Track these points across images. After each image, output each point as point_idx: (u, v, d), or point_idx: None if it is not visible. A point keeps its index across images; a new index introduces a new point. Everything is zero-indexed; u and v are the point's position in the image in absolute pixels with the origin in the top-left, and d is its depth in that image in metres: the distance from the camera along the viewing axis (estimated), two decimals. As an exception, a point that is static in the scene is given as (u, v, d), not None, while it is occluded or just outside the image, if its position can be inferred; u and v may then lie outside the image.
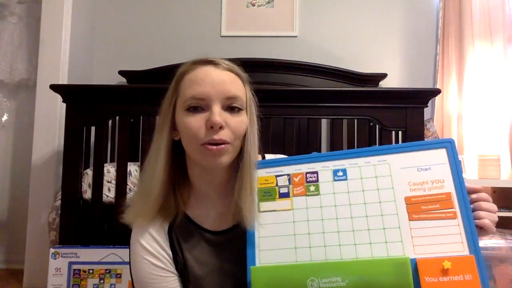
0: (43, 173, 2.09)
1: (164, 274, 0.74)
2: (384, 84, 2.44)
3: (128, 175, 1.62)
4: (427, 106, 1.60)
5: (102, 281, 1.51)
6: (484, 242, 1.60)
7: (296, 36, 2.52)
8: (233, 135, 0.71)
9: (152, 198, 0.72)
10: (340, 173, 0.69)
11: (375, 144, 1.97)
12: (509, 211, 1.92)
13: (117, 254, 1.51)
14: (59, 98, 1.74)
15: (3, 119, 2.47)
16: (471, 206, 0.65)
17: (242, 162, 0.72)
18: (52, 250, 1.51)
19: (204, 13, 2.56)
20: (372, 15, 2.51)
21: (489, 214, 0.63)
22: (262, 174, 0.72)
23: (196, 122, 0.69)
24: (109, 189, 1.66)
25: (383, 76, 2.39)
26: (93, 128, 1.69)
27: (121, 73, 2.43)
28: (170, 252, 0.75)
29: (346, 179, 0.68)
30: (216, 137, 0.68)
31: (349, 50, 2.50)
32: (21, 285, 2.04)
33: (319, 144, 2.28)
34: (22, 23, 2.44)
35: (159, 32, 2.57)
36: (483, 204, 0.63)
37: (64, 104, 1.64)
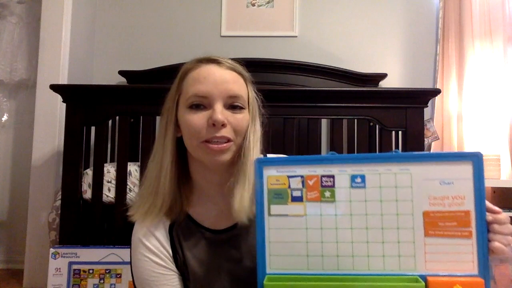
0: (43, 173, 2.09)
1: (164, 272, 0.74)
2: (384, 84, 2.44)
3: (128, 175, 1.62)
4: (427, 106, 1.60)
5: (102, 281, 1.51)
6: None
7: (296, 36, 2.52)
8: (234, 133, 0.71)
9: (161, 196, 0.73)
10: (358, 180, 0.64)
11: (375, 144, 1.97)
12: (509, 211, 1.92)
13: (117, 254, 1.51)
14: (59, 98, 1.74)
15: (3, 119, 2.47)
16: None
17: (241, 158, 0.72)
18: (52, 250, 1.51)
19: (204, 13, 2.56)
20: (372, 15, 2.51)
21: (503, 237, 0.62)
22: (273, 172, 0.66)
23: (198, 119, 0.70)
24: (109, 189, 1.66)
25: (383, 76, 2.39)
26: (93, 128, 1.69)
27: (121, 73, 2.43)
28: (170, 250, 0.75)
29: (364, 187, 0.64)
30: (217, 134, 0.69)
31: (349, 50, 2.50)
32: (21, 285, 2.04)
33: (319, 144, 2.28)
34: (22, 23, 2.44)
35: (159, 32, 2.57)
36: (495, 226, 0.62)
37: (64, 104, 1.64)
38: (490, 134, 2.21)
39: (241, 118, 0.72)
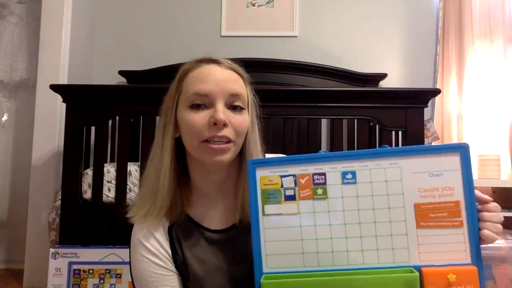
0: (43, 173, 2.09)
1: (164, 272, 0.74)
2: (384, 84, 2.44)
3: (128, 175, 1.62)
4: (427, 106, 1.60)
5: (102, 281, 1.51)
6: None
7: (296, 36, 2.52)
8: (235, 134, 0.71)
9: (161, 197, 0.72)
10: (349, 176, 0.65)
11: (376, 144, 1.97)
12: (509, 211, 1.92)
13: (117, 254, 1.51)
14: (59, 98, 1.74)
15: (3, 119, 2.47)
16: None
17: (244, 161, 0.73)
18: (52, 250, 1.51)
19: (204, 13, 2.56)
20: (372, 15, 2.51)
21: (492, 225, 0.63)
22: (266, 173, 0.67)
23: (199, 118, 0.70)
24: (109, 189, 1.66)
25: (383, 76, 2.40)
26: (93, 128, 1.69)
27: (121, 73, 2.43)
28: (169, 251, 0.75)
29: (355, 183, 0.65)
30: (219, 134, 0.69)
31: (349, 50, 2.50)
32: (21, 285, 2.04)
33: (319, 144, 2.28)
34: (22, 23, 2.44)
35: (159, 32, 2.57)
36: (485, 214, 0.63)
37: (64, 104, 1.64)
38: (490, 134, 2.21)
39: (242, 119, 0.72)
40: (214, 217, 0.78)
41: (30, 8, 2.44)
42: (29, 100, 2.40)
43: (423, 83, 2.43)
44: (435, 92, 1.66)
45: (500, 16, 2.27)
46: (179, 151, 0.76)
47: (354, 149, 2.15)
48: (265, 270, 0.65)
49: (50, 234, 1.70)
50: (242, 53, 2.43)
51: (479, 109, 2.24)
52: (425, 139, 2.08)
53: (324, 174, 0.66)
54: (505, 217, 2.17)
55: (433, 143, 2.24)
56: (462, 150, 0.64)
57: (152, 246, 0.74)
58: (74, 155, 1.61)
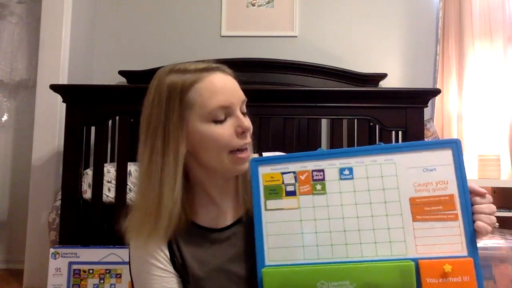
0: (43, 173, 2.09)
1: (163, 274, 0.74)
2: (384, 84, 2.44)
3: (128, 175, 1.62)
4: (427, 106, 1.60)
5: (102, 281, 1.51)
6: (484, 242, 1.60)
7: (296, 36, 2.52)
8: (250, 137, 0.73)
9: (167, 219, 0.69)
10: (347, 172, 0.69)
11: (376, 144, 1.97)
12: (509, 211, 1.92)
13: (117, 254, 1.51)
14: (59, 98, 1.74)
15: (3, 119, 2.47)
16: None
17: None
18: (52, 250, 1.51)
19: (204, 13, 2.56)
20: (372, 15, 2.51)
21: (487, 217, 0.64)
22: (268, 170, 0.71)
23: (225, 130, 0.69)
24: (109, 189, 1.66)
25: (383, 76, 2.39)
26: (93, 128, 1.69)
27: (121, 73, 2.43)
28: (167, 253, 0.75)
29: (352, 178, 0.68)
30: (246, 141, 0.71)
31: (349, 50, 2.50)
32: (21, 285, 2.04)
33: (319, 144, 2.28)
34: (22, 23, 2.44)
35: (159, 32, 2.57)
36: (478, 207, 0.64)
37: (64, 104, 1.64)
38: (490, 134, 2.21)
39: (250, 122, 0.74)
40: (213, 216, 0.78)
41: (30, 8, 2.44)
42: (29, 100, 2.40)
43: (423, 83, 2.43)
44: (435, 92, 1.66)
45: (500, 16, 2.27)
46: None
47: (360, 147, 2.15)
48: (267, 263, 0.68)
49: (50, 234, 1.70)
50: (242, 53, 2.43)
51: (479, 109, 2.24)
52: (425, 139, 2.08)
53: (322, 170, 0.69)
54: (505, 217, 2.16)
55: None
56: (453, 146, 0.66)
57: (151, 248, 0.74)
58: (74, 155, 1.61)
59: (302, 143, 2.22)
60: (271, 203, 0.70)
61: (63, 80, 2.17)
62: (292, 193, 0.70)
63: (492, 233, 1.70)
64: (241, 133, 0.70)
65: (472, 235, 0.63)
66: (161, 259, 0.75)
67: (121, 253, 1.51)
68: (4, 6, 2.43)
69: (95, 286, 1.51)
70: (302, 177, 0.70)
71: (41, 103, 2.13)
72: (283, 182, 0.70)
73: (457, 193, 0.65)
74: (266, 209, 0.70)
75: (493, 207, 0.65)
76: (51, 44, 2.18)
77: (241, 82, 0.76)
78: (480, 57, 2.27)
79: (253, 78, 2.26)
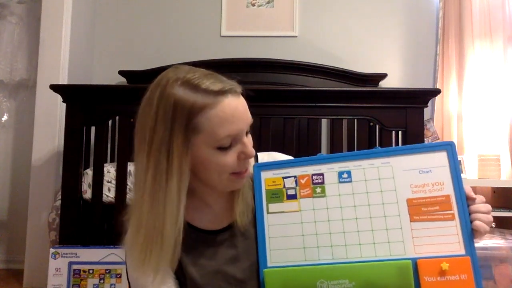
0: (43, 173, 2.09)
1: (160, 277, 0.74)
2: (384, 84, 2.44)
3: (128, 175, 1.62)
4: (427, 106, 1.60)
5: (102, 281, 1.51)
6: (484, 242, 1.60)
7: (296, 36, 2.52)
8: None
9: (169, 249, 0.68)
10: (345, 175, 0.71)
11: (376, 144, 1.97)
12: (509, 211, 1.92)
13: (117, 254, 1.51)
14: (59, 98, 1.74)
15: (3, 119, 2.47)
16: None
17: None
18: (52, 250, 1.51)
19: (204, 13, 2.56)
20: (372, 15, 2.51)
21: (484, 216, 0.65)
22: (269, 175, 0.74)
23: (230, 157, 0.69)
24: (109, 189, 1.66)
25: (383, 76, 2.39)
26: (93, 128, 1.69)
27: (121, 73, 2.43)
28: None
29: (350, 181, 0.71)
30: (247, 165, 0.72)
31: (349, 50, 2.50)
32: (21, 285, 2.04)
33: (319, 144, 2.28)
34: (22, 23, 2.44)
35: (159, 32, 2.57)
36: (474, 206, 0.66)
37: (64, 104, 1.64)
38: (490, 134, 2.21)
39: (252, 142, 0.73)
40: (209, 218, 0.78)
41: (30, 8, 2.44)
42: (29, 100, 2.40)
43: (423, 83, 2.43)
44: (435, 92, 1.66)
45: (500, 16, 2.27)
46: None
47: (354, 149, 2.15)
48: (269, 264, 0.70)
49: (50, 234, 1.70)
50: (242, 53, 2.43)
51: (479, 109, 2.24)
52: (425, 139, 2.08)
53: (322, 174, 0.72)
54: (505, 217, 2.16)
55: (433, 143, 2.24)
56: (448, 148, 0.68)
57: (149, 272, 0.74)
58: (74, 155, 1.61)
59: (302, 143, 2.22)
60: (273, 207, 0.73)
61: (63, 80, 2.17)
62: (293, 197, 0.73)
63: (492, 233, 1.70)
64: (243, 158, 0.70)
65: (469, 234, 0.64)
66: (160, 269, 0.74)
67: (121, 253, 1.51)
68: (4, 6, 2.43)
69: (95, 286, 1.51)
70: (303, 181, 0.73)
71: (41, 103, 2.14)
72: (284, 186, 0.73)
73: (453, 194, 0.66)
74: (268, 212, 0.73)
75: (488, 206, 0.66)
76: (51, 44, 2.18)
77: (248, 99, 0.72)
78: (480, 57, 2.26)
79: (253, 78, 2.26)
